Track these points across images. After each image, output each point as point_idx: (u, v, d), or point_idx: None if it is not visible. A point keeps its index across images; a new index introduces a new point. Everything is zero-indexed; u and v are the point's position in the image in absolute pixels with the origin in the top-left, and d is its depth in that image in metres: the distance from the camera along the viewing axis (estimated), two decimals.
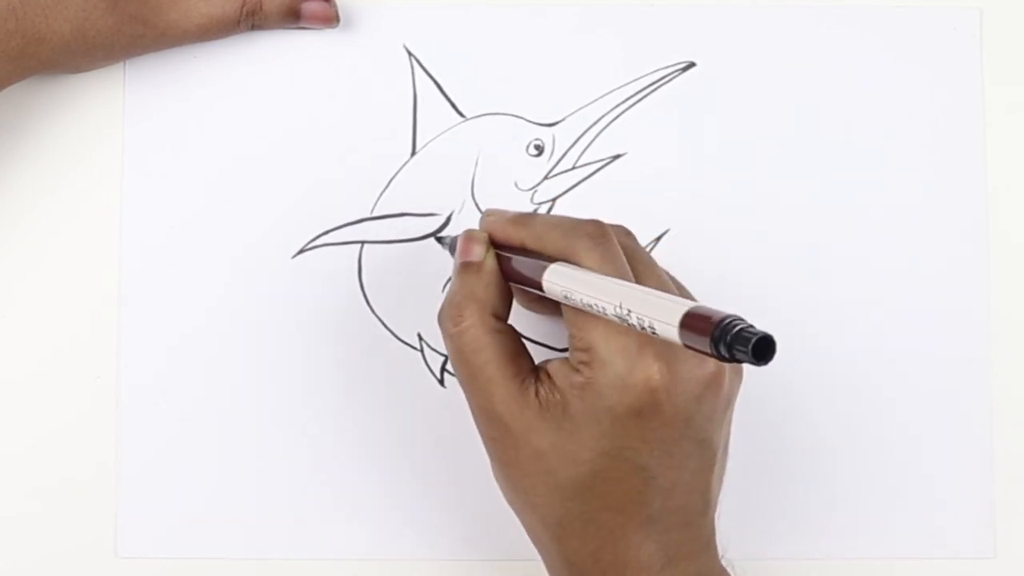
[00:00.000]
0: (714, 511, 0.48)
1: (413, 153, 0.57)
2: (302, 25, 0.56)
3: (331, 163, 0.57)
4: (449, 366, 0.56)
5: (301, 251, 0.57)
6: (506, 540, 0.55)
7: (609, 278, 0.44)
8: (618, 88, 0.57)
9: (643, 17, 0.57)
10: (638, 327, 0.41)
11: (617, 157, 0.57)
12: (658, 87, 0.57)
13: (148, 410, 0.56)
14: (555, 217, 0.51)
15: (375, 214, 0.57)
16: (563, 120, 0.57)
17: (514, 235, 0.49)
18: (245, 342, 0.56)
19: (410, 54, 0.57)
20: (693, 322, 0.38)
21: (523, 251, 0.48)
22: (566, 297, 0.45)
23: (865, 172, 0.57)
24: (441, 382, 0.56)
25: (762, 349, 0.37)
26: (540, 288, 0.47)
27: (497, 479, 0.48)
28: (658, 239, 0.57)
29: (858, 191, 0.57)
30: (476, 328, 0.47)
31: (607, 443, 0.44)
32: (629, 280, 0.45)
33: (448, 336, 0.48)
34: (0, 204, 0.56)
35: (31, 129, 0.56)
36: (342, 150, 0.57)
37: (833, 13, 0.58)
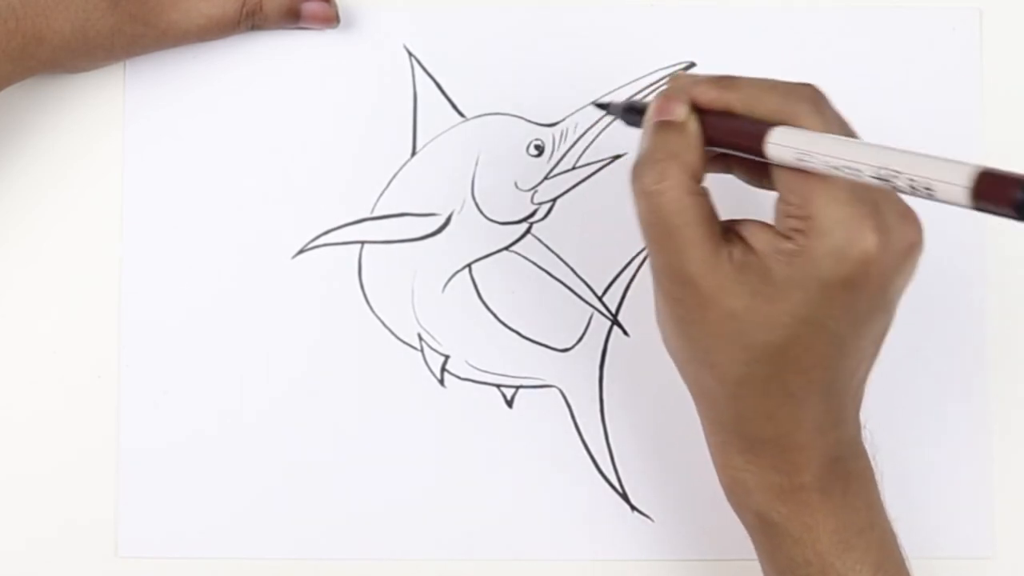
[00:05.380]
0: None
1: (413, 153, 0.57)
2: (302, 25, 0.56)
3: (331, 163, 0.57)
4: (450, 366, 0.56)
5: (301, 251, 0.57)
6: (506, 540, 0.55)
7: (859, 140, 0.42)
8: (618, 88, 0.57)
9: (643, 17, 0.57)
10: (907, 189, 0.38)
11: (617, 157, 0.57)
12: (658, 87, 0.57)
13: (149, 409, 0.56)
14: (765, 79, 0.47)
15: (375, 214, 0.57)
16: (563, 120, 0.57)
17: (717, 97, 0.46)
18: (245, 342, 0.56)
19: (410, 54, 0.57)
20: (988, 181, 0.36)
21: (726, 115, 0.46)
22: (799, 159, 0.42)
23: None
24: (441, 382, 0.56)
25: None
26: (754, 153, 0.44)
27: (670, 333, 0.46)
28: None
29: None
30: (678, 189, 0.44)
31: (810, 311, 0.43)
32: None
33: (645, 194, 0.45)
34: (0, 204, 0.56)
35: (31, 129, 0.56)
36: (342, 150, 0.57)
37: (833, 13, 0.58)
